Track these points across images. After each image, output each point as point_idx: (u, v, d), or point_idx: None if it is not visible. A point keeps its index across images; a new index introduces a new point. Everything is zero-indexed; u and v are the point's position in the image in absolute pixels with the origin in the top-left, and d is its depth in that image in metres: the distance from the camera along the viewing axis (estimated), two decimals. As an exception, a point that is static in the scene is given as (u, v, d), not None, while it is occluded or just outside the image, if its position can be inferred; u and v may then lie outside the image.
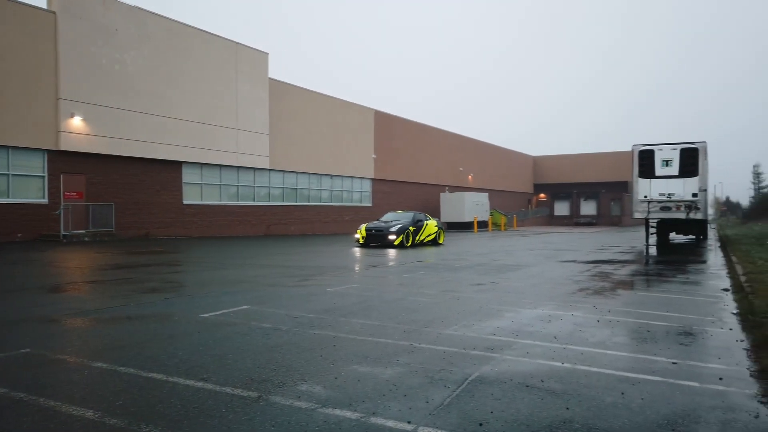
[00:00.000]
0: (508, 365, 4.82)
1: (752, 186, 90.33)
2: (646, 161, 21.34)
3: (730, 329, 6.40)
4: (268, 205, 30.49)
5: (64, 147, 20.77)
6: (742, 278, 10.23)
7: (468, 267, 13.61)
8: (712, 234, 33.09)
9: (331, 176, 34.98)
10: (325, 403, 3.81)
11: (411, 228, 21.68)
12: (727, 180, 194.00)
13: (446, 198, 42.92)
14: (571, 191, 67.87)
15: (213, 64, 26.42)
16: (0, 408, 3.70)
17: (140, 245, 19.92)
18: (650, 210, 21.41)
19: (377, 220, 24.65)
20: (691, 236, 25.80)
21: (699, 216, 20.98)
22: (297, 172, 32.29)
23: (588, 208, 67.76)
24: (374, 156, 38.14)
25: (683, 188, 20.80)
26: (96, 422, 3.45)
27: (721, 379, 4.45)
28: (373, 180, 38.60)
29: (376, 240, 21.10)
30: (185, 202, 25.87)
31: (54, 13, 20.53)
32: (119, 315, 7.00)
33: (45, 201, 20.57)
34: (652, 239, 24.06)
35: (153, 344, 5.48)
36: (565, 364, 4.84)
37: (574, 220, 65.54)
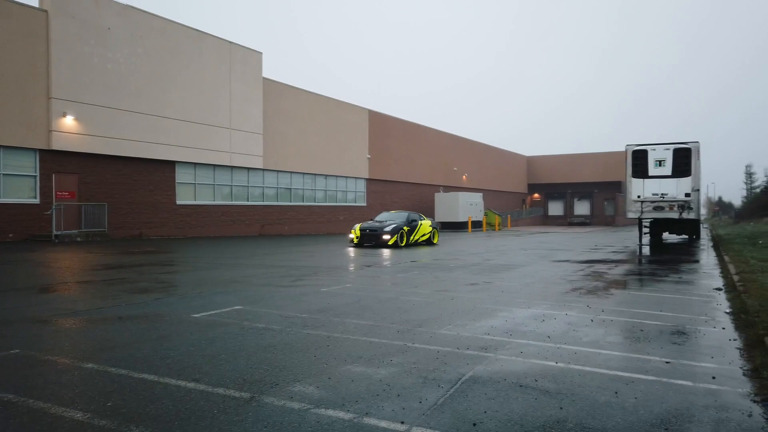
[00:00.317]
0: (502, 365, 4.81)
1: (744, 186, 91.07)
2: (639, 161, 21.43)
3: (723, 328, 6.41)
4: (262, 205, 30.40)
5: (56, 146, 20.63)
6: (735, 277, 10.27)
7: (462, 267, 13.61)
8: (704, 234, 33.25)
9: (326, 176, 34.92)
10: (318, 404, 3.78)
11: (405, 228, 21.64)
12: (720, 180, 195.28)
13: (440, 198, 42.94)
14: (565, 191, 68.07)
15: (206, 64, 26.32)
16: (-12, 410, 3.65)
17: (133, 245, 19.81)
18: (643, 210, 21.50)
19: (371, 219, 24.62)
20: (684, 236, 25.93)
21: (692, 216, 21.09)
22: (291, 172, 32.22)
23: (582, 208, 67.97)
24: (369, 156, 38.11)
25: (676, 188, 20.90)
26: (85, 423, 3.41)
27: (714, 378, 4.45)
28: (368, 180, 38.56)
29: (371, 240, 21.05)
30: (178, 202, 25.75)
31: (46, 11, 20.39)
32: (110, 315, 6.94)
33: (37, 201, 20.43)
34: (646, 239, 24.15)
35: (144, 345, 5.43)
36: (559, 364, 4.83)
37: (567, 220, 65.73)
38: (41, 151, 20.51)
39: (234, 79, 27.65)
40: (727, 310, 7.56)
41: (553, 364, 4.84)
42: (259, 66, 29.15)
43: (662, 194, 21.10)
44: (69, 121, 20.91)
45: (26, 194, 20.28)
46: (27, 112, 19.93)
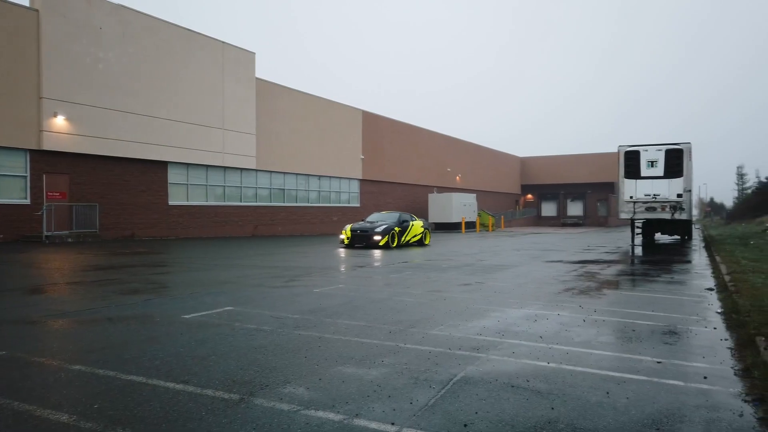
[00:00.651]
0: (494, 365, 4.79)
1: (736, 187, 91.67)
2: (631, 162, 21.50)
3: (715, 328, 6.43)
4: (255, 206, 30.30)
5: (46, 146, 20.47)
6: (726, 278, 10.30)
7: (455, 267, 13.60)
8: (696, 234, 33.42)
9: (319, 177, 34.85)
10: (308, 405, 3.75)
11: (396, 228, 21.54)
12: (712, 181, 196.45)
13: (434, 199, 42.96)
14: (558, 192, 68.28)
15: (199, 63, 26.20)
16: (-28, 412, 3.59)
17: (124, 246, 19.69)
18: (636, 210, 21.57)
19: (362, 220, 24.53)
20: (676, 236, 26.05)
21: (684, 216, 21.18)
22: (284, 173, 32.12)
23: (575, 208, 68.19)
24: (362, 156, 38.07)
25: (668, 189, 20.98)
26: (70, 426, 3.36)
27: (705, 378, 4.45)
28: (361, 180, 38.51)
29: (361, 241, 20.89)
30: (171, 203, 25.61)
31: (36, 10, 20.23)
32: (99, 317, 6.87)
33: (27, 201, 20.25)
34: (638, 239, 24.24)
35: (133, 346, 5.38)
36: (551, 364, 4.81)
37: (561, 220, 65.92)
38: (32, 151, 20.33)
39: (227, 79, 27.54)
40: (719, 310, 7.58)
41: (545, 364, 4.82)
42: (252, 66, 29.06)
43: (654, 195, 21.18)
44: (60, 121, 20.75)
45: (17, 195, 20.10)
46: (17, 112, 19.76)
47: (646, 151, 21.29)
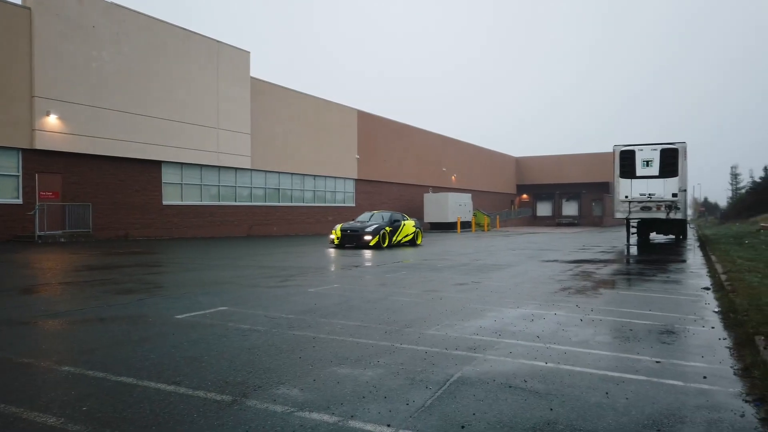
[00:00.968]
0: (491, 365, 4.72)
1: (730, 187, 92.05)
2: (627, 161, 21.50)
3: (712, 328, 6.38)
4: (250, 206, 30.17)
5: (39, 146, 20.30)
6: (722, 277, 10.28)
7: (450, 267, 13.53)
8: (691, 234, 33.49)
9: (314, 176, 34.74)
10: (302, 407, 3.67)
11: (387, 228, 21.28)
12: (706, 181, 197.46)
13: (430, 198, 42.91)
14: (553, 192, 68.36)
15: (193, 62, 26.05)
16: (-44, 415, 3.50)
17: (118, 246, 19.54)
18: (631, 210, 21.57)
19: (352, 220, 24.35)
20: (670, 236, 26.08)
21: (679, 216, 21.20)
22: (279, 173, 32.00)
23: (570, 208, 68.30)
24: (357, 156, 37.98)
25: (663, 188, 20.99)
26: (57, 428, 3.27)
27: (705, 377, 4.40)
28: (357, 180, 38.43)
29: (352, 241, 20.62)
30: (165, 203, 25.46)
31: (29, 9, 20.05)
32: (91, 317, 6.77)
33: (19, 201, 20.08)
34: (633, 239, 24.24)
35: (124, 347, 5.28)
36: (549, 364, 4.75)
37: (556, 220, 66.02)
38: (24, 150, 20.16)
39: (221, 79, 27.41)
40: (716, 310, 7.55)
41: (543, 364, 4.76)
42: (246, 65, 28.93)
43: (650, 194, 21.18)
44: (52, 120, 20.58)
45: (9, 194, 19.92)
46: (9, 111, 19.58)
47: (642, 150, 21.30)
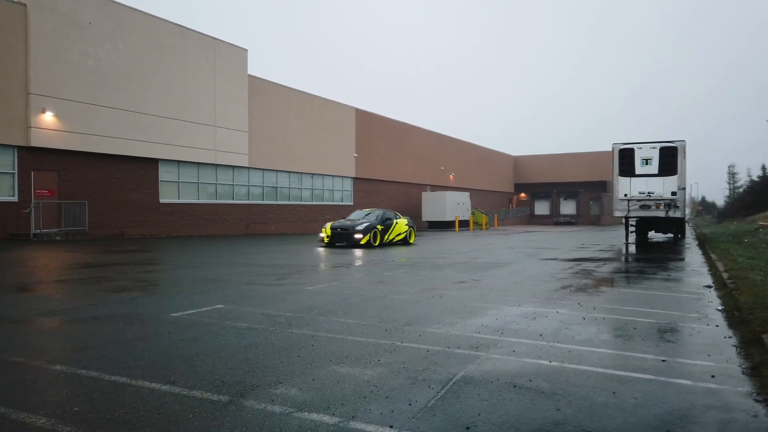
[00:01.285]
0: (494, 364, 4.61)
1: (727, 186, 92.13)
2: (626, 160, 21.42)
3: (717, 326, 6.29)
4: (248, 204, 30.00)
5: (35, 143, 20.11)
6: (725, 275, 10.19)
7: (449, 265, 13.43)
8: (689, 232, 33.45)
9: (312, 175, 34.58)
10: (301, 407, 3.55)
11: (379, 227, 20.83)
12: (703, 180, 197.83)
13: (428, 197, 42.80)
14: (551, 191, 68.30)
15: (190, 60, 25.88)
16: (-57, 416, 3.38)
17: (114, 244, 19.38)
18: (630, 208, 21.50)
19: (343, 218, 24.04)
20: (669, 234, 26.03)
21: (678, 214, 21.14)
22: (277, 171, 31.84)
23: (568, 207, 68.24)
24: (355, 155, 37.84)
25: (662, 186, 20.92)
26: (47, 430, 3.15)
27: (713, 376, 4.29)
28: (354, 179, 38.28)
29: (342, 239, 20.19)
30: (162, 201, 25.28)
31: (24, 5, 19.86)
32: (85, 315, 6.64)
33: (15, 199, 19.90)
34: (632, 237, 24.17)
35: (118, 345, 5.16)
36: (553, 363, 4.65)
37: (554, 219, 65.99)
38: (19, 148, 19.97)
39: (218, 76, 27.23)
40: (719, 308, 7.45)
41: (547, 363, 4.65)
42: (244, 63, 28.75)
43: (649, 193, 21.11)
44: (48, 118, 20.40)
45: (4, 192, 19.74)
46: (5, 108, 19.39)
47: (641, 148, 21.23)
